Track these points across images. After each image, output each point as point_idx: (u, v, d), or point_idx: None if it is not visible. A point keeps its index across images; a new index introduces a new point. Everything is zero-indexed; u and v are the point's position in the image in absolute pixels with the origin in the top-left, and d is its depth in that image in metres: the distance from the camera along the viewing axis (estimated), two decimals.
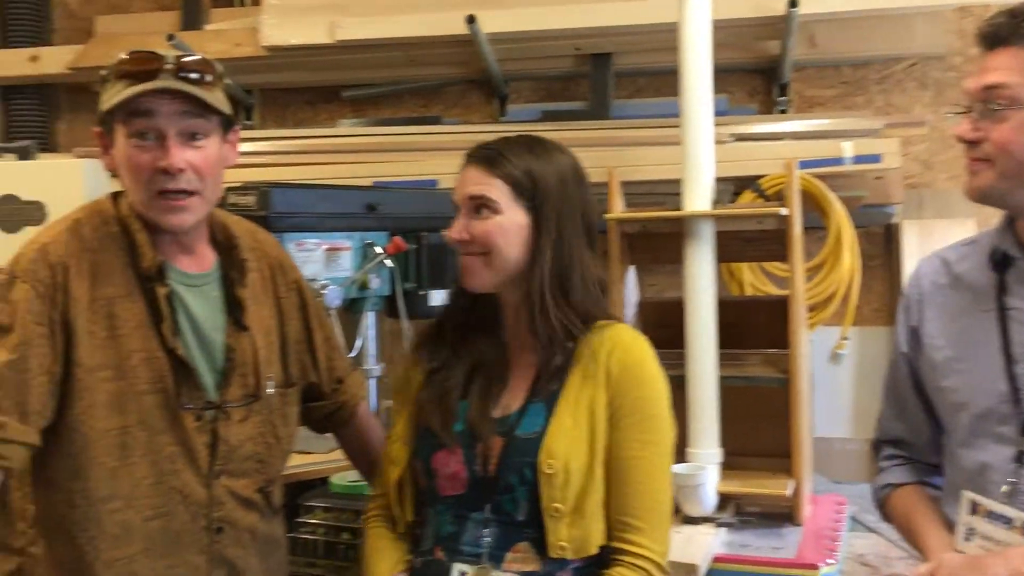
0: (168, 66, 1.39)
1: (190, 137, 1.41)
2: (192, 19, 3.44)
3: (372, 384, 2.72)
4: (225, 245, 1.54)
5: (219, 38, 3.31)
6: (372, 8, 3.14)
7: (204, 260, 1.52)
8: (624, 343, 1.40)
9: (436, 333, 1.50)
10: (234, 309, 1.51)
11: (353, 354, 2.57)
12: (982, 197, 1.33)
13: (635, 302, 2.27)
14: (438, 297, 2.64)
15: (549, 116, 3.20)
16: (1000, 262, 1.36)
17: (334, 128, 3.38)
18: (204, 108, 1.41)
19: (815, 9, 2.72)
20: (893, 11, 2.87)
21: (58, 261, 1.38)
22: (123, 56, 1.41)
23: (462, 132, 3.10)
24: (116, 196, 1.48)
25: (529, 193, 1.39)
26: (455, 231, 1.41)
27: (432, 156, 2.95)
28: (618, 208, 2.17)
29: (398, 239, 2.38)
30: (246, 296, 1.52)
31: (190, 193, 1.41)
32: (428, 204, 2.57)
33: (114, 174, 1.47)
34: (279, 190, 2.31)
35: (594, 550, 1.35)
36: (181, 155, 1.39)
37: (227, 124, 1.49)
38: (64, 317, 1.37)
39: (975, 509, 1.32)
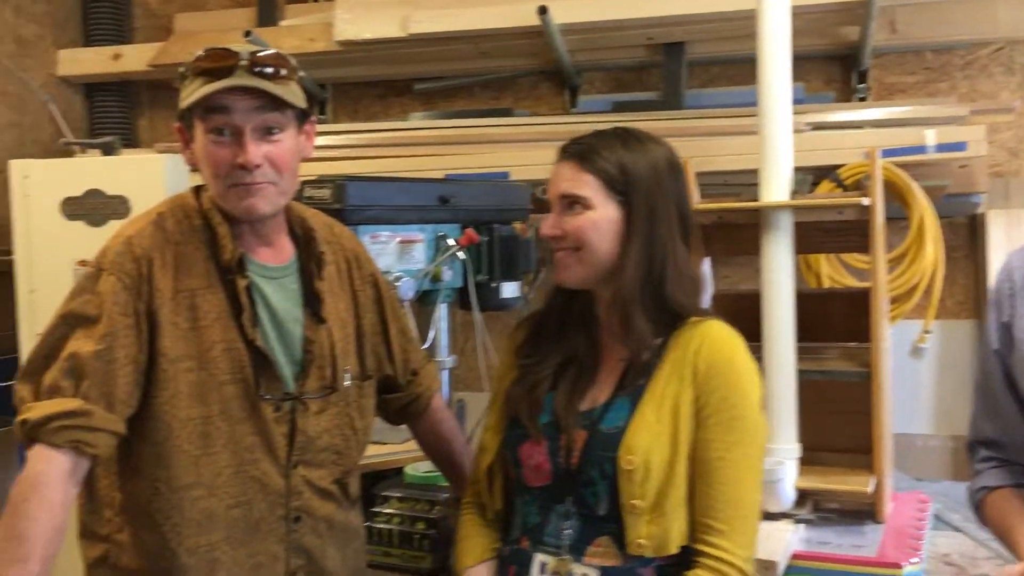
0: (243, 62, 1.40)
1: (266, 132, 1.42)
2: (268, 15, 3.49)
3: (444, 376, 2.74)
4: (303, 238, 1.56)
5: (294, 33, 3.36)
6: (444, 1, 3.15)
7: (283, 253, 1.53)
8: (713, 339, 1.37)
9: (535, 328, 1.50)
10: (312, 301, 1.52)
11: (425, 346, 2.59)
12: None
13: (710, 295, 2.24)
14: (510, 289, 2.64)
15: (621, 107, 3.18)
16: None
17: (406, 121, 3.41)
18: (279, 103, 1.43)
19: None
20: None
21: (143, 254, 1.41)
22: (200, 53, 1.43)
23: (533, 124, 3.10)
24: (198, 190, 1.51)
25: (621, 187, 1.37)
26: (548, 227, 1.40)
27: (503, 148, 2.95)
28: (694, 199, 2.14)
29: (470, 231, 2.39)
30: (324, 289, 1.54)
31: (263, 182, 1.43)
32: (500, 196, 2.57)
33: (194, 168, 1.50)
34: (354, 183, 2.33)
35: (674, 549, 1.33)
36: (257, 151, 1.41)
37: (303, 117, 1.50)
38: (149, 308, 1.40)
39: None
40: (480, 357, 2.94)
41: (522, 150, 2.92)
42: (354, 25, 3.20)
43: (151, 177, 2.53)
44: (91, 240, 1.63)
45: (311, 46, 3.31)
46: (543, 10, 2.85)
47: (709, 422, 1.33)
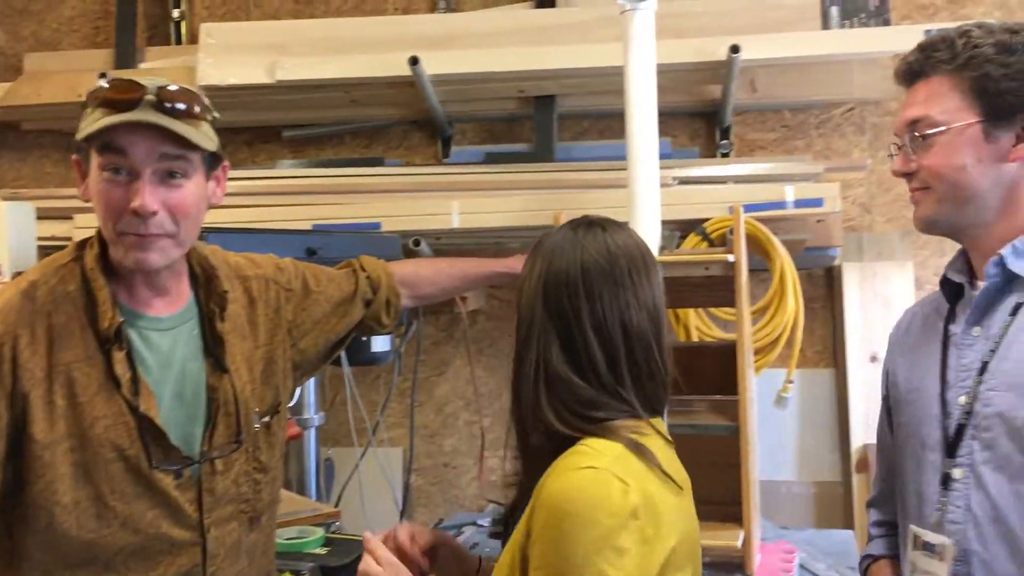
0: (149, 96, 1.29)
1: (167, 175, 1.32)
2: (126, 57, 3.35)
3: (311, 434, 2.64)
4: (203, 278, 1.46)
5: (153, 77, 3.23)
6: (313, 48, 3.10)
7: (180, 299, 1.43)
8: (557, 474, 1.14)
9: None
10: (214, 347, 1.43)
11: (292, 403, 2.49)
12: (928, 226, 1.35)
13: None
14: (381, 343, 2.57)
15: (493, 158, 3.18)
16: (954, 292, 1.36)
17: (273, 169, 3.31)
18: (184, 145, 1.32)
19: (756, 55, 2.75)
20: (831, 58, 2.92)
21: (6, 331, 1.30)
22: (102, 83, 1.32)
23: (405, 174, 3.06)
24: (83, 245, 1.40)
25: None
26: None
27: (374, 198, 2.90)
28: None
29: None
30: (227, 330, 1.45)
31: (157, 235, 1.33)
32: (371, 247, 2.50)
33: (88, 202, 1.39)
34: (215, 235, 2.23)
35: None
36: (154, 196, 1.30)
37: (214, 160, 1.41)
38: (14, 392, 1.28)
39: (916, 543, 1.30)
40: (350, 412, 2.86)
41: (394, 200, 2.88)
42: (218, 70, 3.10)
43: None
44: None
45: None
46: (414, 60, 2.83)
47: None
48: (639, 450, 1.17)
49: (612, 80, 2.90)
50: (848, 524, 3.00)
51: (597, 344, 1.21)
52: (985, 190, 1.28)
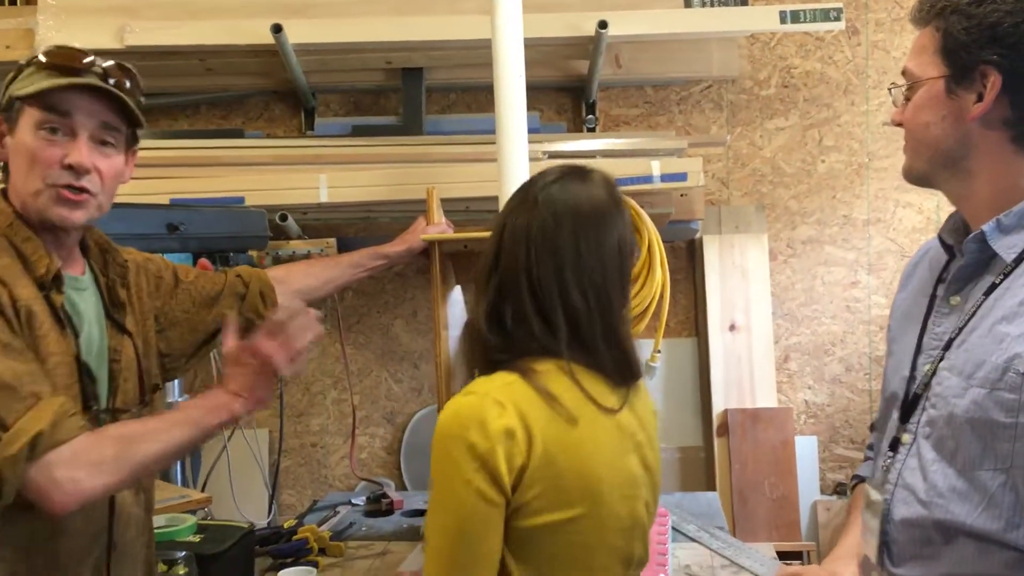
0: (96, 68, 1.39)
1: (100, 143, 1.41)
2: None
3: None
4: (96, 249, 1.52)
5: None
6: (165, 12, 2.94)
7: (79, 265, 1.49)
8: (448, 405, 1.24)
9: None
10: (117, 311, 1.49)
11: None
12: (906, 178, 1.30)
13: (463, 322, 2.22)
14: None
15: (360, 131, 3.11)
16: (951, 251, 1.31)
17: None
18: (124, 116, 1.42)
19: (621, 31, 2.79)
20: (694, 35, 2.99)
21: None
22: (50, 48, 1.41)
23: (269, 147, 2.95)
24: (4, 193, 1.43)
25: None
26: None
27: (237, 171, 2.78)
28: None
29: (203, 261, 2.23)
30: (128, 298, 1.53)
31: (88, 192, 1.40)
32: (235, 223, 2.42)
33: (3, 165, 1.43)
34: None
35: None
36: (91, 156, 1.39)
37: (132, 140, 1.49)
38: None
39: (866, 501, 1.29)
40: None
41: (258, 174, 2.77)
42: (60, 33, 2.89)
43: None
44: None
45: (8, 54, 2.95)
46: (277, 28, 2.73)
47: None
48: (528, 377, 1.22)
49: (480, 53, 2.87)
50: (711, 486, 3.13)
51: (533, 310, 1.25)
52: (950, 149, 1.21)
